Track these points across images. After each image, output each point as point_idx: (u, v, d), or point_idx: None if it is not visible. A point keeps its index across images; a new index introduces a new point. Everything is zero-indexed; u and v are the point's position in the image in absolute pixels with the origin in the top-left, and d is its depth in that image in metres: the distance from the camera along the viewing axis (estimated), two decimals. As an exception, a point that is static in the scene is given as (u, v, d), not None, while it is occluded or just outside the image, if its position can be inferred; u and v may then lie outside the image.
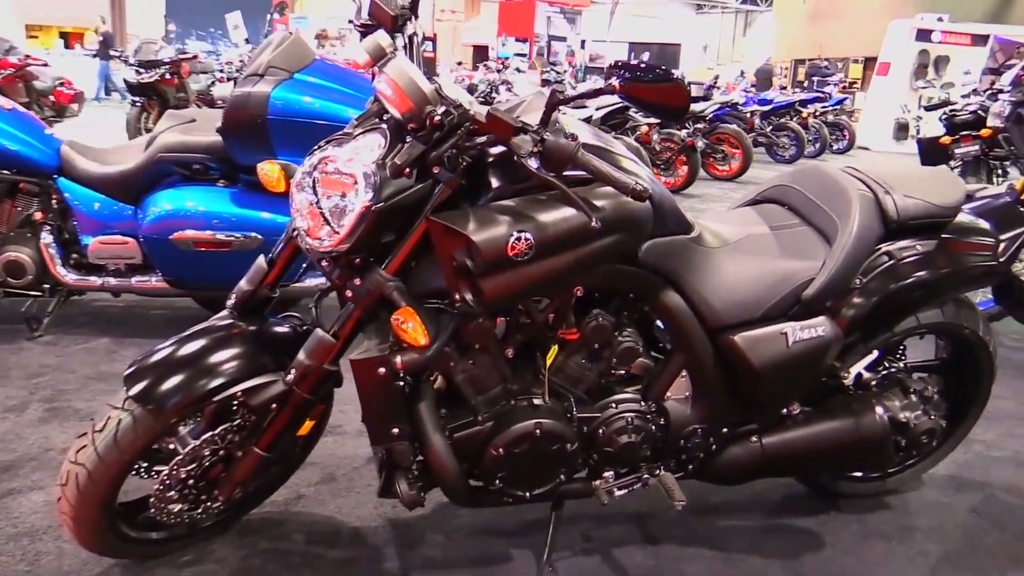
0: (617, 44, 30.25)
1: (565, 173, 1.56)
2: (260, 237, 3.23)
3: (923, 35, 16.55)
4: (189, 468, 1.86)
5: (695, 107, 8.94)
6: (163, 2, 32.51)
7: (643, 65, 1.62)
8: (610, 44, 29.16)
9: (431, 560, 2.14)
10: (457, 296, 1.66)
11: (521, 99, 1.89)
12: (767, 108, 12.62)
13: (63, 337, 3.59)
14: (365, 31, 1.80)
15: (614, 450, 1.96)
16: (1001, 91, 4.88)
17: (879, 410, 2.17)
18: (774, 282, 1.98)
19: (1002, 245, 2.17)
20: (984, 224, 2.19)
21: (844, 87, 18.59)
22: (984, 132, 5.29)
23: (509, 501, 1.96)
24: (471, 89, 11.26)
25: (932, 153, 5.78)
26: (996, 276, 2.24)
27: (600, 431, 1.96)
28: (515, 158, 1.53)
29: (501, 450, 1.85)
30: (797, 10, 29.38)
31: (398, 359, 1.70)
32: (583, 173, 1.57)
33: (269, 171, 1.95)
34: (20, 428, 2.73)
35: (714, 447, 2.09)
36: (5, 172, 3.38)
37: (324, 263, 1.76)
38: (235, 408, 1.88)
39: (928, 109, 6.91)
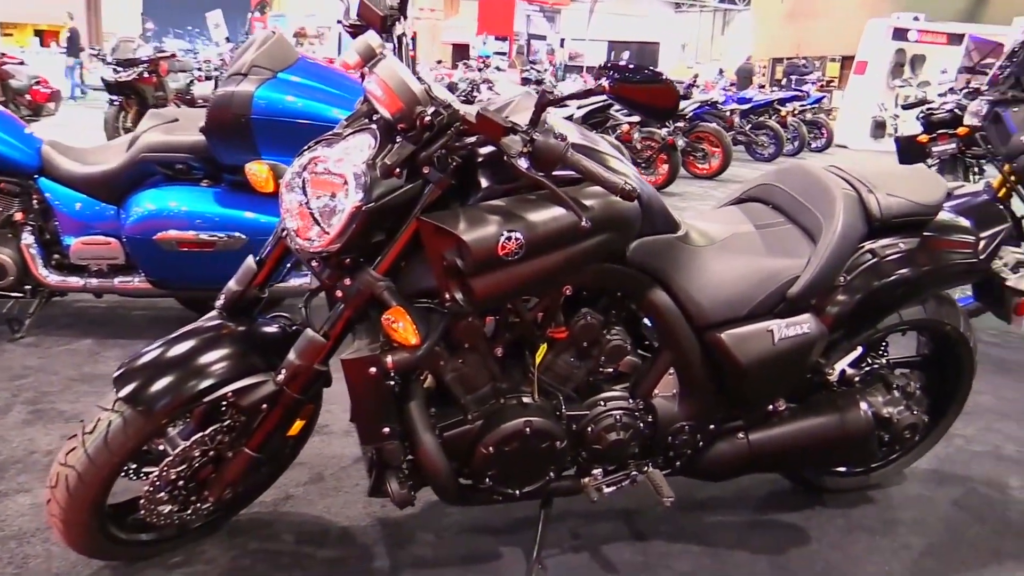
0: (596, 43, 30.35)
1: (554, 173, 1.57)
2: (244, 237, 3.22)
3: (899, 34, 16.72)
4: (179, 469, 1.85)
5: (675, 106, 8.96)
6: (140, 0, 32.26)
7: (632, 66, 1.64)
8: (589, 43, 29.25)
9: (421, 559, 2.15)
10: (447, 296, 1.67)
11: (509, 99, 1.89)
12: (746, 107, 12.73)
13: (45, 338, 3.55)
14: (354, 31, 1.80)
15: (603, 447, 1.97)
16: (979, 91, 4.94)
17: (863, 406, 2.20)
18: (760, 280, 2.00)
19: (982, 243, 2.22)
20: (964, 222, 2.23)
21: (822, 86, 18.80)
22: (961, 131, 5.35)
23: (499, 499, 1.97)
24: (451, 88, 11.24)
25: (910, 151, 5.85)
26: (976, 273, 2.28)
27: (589, 429, 1.97)
28: (505, 158, 1.54)
29: (491, 448, 1.86)
30: (775, 9, 29.60)
31: (389, 359, 1.70)
32: (572, 173, 1.58)
33: (257, 171, 1.94)
34: (4, 431, 2.70)
35: (701, 444, 2.10)
36: (-15, 172, 3.34)
37: (314, 263, 1.75)
38: (225, 409, 1.87)
39: (905, 108, 6.97)
